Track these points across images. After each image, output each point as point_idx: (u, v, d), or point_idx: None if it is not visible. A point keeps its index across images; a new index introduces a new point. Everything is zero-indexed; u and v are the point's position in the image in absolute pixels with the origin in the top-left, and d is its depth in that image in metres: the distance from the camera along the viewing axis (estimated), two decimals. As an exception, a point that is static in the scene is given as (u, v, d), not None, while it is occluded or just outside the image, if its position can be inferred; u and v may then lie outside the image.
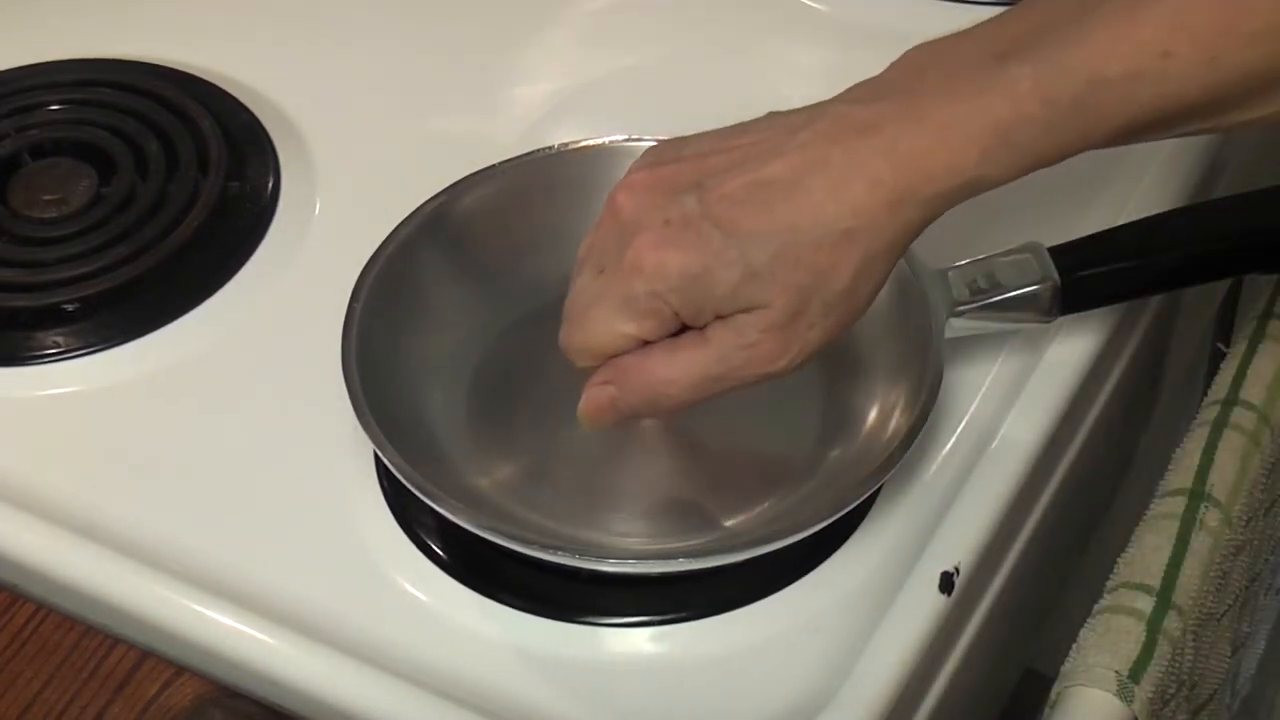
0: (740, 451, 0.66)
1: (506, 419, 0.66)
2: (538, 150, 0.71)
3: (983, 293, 0.64)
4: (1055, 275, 0.64)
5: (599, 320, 0.57)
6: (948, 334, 0.63)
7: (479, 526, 0.58)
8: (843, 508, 0.59)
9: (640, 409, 0.58)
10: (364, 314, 0.64)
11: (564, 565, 0.59)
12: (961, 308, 0.64)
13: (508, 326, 0.69)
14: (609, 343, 0.57)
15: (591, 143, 0.71)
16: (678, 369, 0.56)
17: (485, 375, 0.67)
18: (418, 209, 0.68)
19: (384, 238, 0.67)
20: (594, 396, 0.58)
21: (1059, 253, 0.64)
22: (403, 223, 0.68)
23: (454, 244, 0.69)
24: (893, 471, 0.60)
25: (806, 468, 0.64)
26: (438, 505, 0.59)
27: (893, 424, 0.62)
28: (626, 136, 0.71)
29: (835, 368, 0.66)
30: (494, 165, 0.70)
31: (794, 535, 0.58)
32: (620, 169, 0.70)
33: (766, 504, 0.63)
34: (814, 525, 0.58)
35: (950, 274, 0.65)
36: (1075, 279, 0.64)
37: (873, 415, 0.64)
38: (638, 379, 0.57)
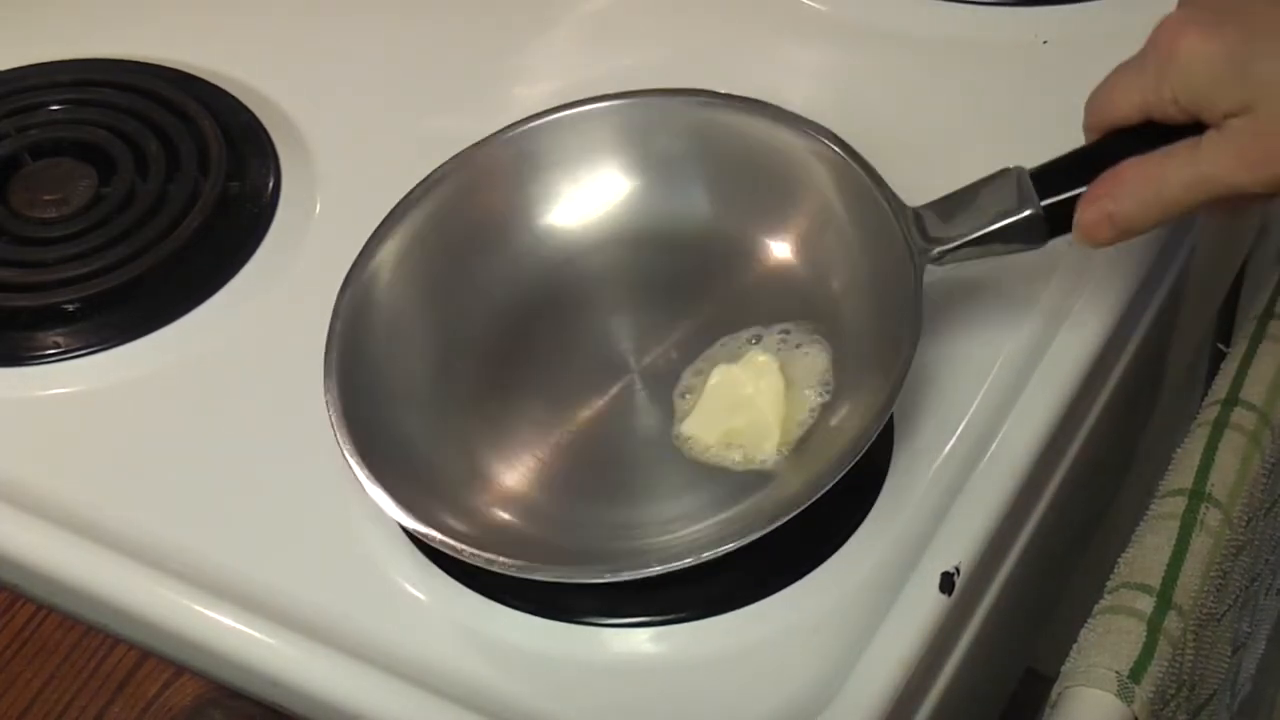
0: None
1: (499, 424, 0.66)
2: (491, 136, 0.70)
3: (961, 230, 0.62)
4: (1037, 201, 0.61)
5: (1111, 80, 0.61)
6: (934, 274, 0.62)
7: (456, 545, 0.58)
8: (822, 488, 0.58)
9: (1134, 213, 0.59)
10: (344, 334, 0.64)
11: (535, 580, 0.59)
12: (940, 249, 0.62)
13: (491, 328, 0.68)
14: (1108, 99, 0.61)
15: (544, 119, 0.69)
16: (1170, 166, 0.58)
17: (475, 376, 0.67)
18: (389, 214, 0.68)
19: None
20: (1088, 212, 0.60)
21: (1040, 175, 0.62)
22: (375, 233, 0.67)
23: (432, 243, 0.68)
24: (870, 442, 0.58)
25: (798, 446, 0.63)
26: (423, 532, 0.59)
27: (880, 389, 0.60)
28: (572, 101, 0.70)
29: (823, 301, 0.65)
30: (447, 162, 0.69)
31: (766, 528, 0.57)
32: (581, 138, 0.68)
33: (758, 494, 0.62)
34: (786, 515, 0.57)
35: (926, 213, 0.63)
36: (1059, 202, 0.61)
37: (860, 356, 0.63)
38: (1132, 179, 0.59)
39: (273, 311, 0.73)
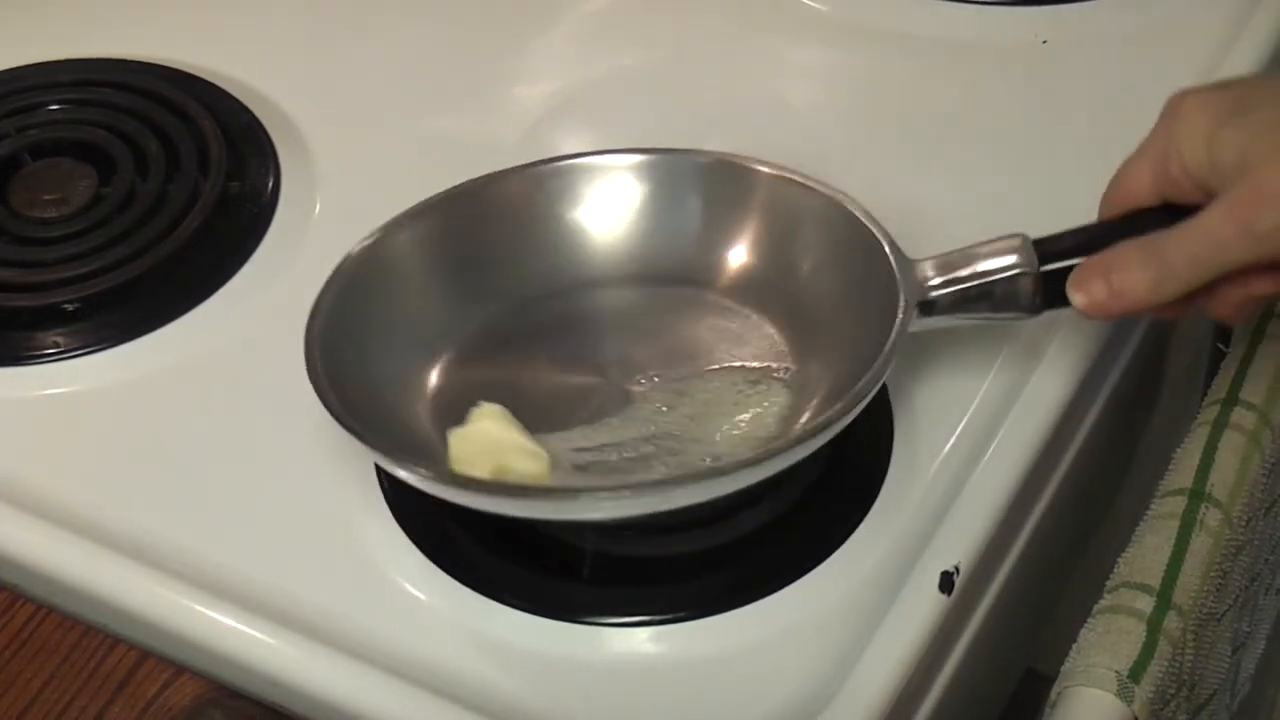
0: (703, 426, 0.65)
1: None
2: (524, 165, 0.70)
3: (958, 280, 0.62)
4: (1036, 263, 0.62)
5: (1124, 164, 0.62)
6: (925, 325, 0.62)
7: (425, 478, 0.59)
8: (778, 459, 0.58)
9: (1136, 284, 0.59)
10: (340, 291, 0.65)
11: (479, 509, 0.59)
12: (934, 293, 0.62)
13: (482, 331, 0.69)
14: (1123, 184, 0.62)
15: (576, 160, 0.70)
16: (1171, 239, 0.58)
17: (457, 370, 0.68)
18: (409, 209, 0.68)
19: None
20: (1090, 279, 0.60)
21: (1043, 242, 0.62)
22: (393, 220, 0.68)
23: (444, 240, 0.69)
24: (800, 452, 0.58)
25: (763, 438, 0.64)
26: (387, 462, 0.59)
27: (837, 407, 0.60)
28: (589, 150, 0.70)
29: (805, 348, 0.66)
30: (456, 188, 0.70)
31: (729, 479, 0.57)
32: (602, 182, 0.69)
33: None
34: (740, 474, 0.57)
35: (924, 263, 0.63)
36: (1059, 270, 0.62)
37: (822, 395, 0.64)
38: (1134, 252, 0.59)
39: (272, 311, 0.73)
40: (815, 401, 0.64)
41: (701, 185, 0.70)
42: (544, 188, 0.70)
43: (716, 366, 0.67)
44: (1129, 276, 0.59)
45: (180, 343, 0.72)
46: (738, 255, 0.69)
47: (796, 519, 0.63)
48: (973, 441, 0.65)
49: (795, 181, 0.67)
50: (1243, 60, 0.79)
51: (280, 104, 0.83)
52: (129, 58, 0.86)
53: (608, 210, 0.70)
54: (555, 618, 0.61)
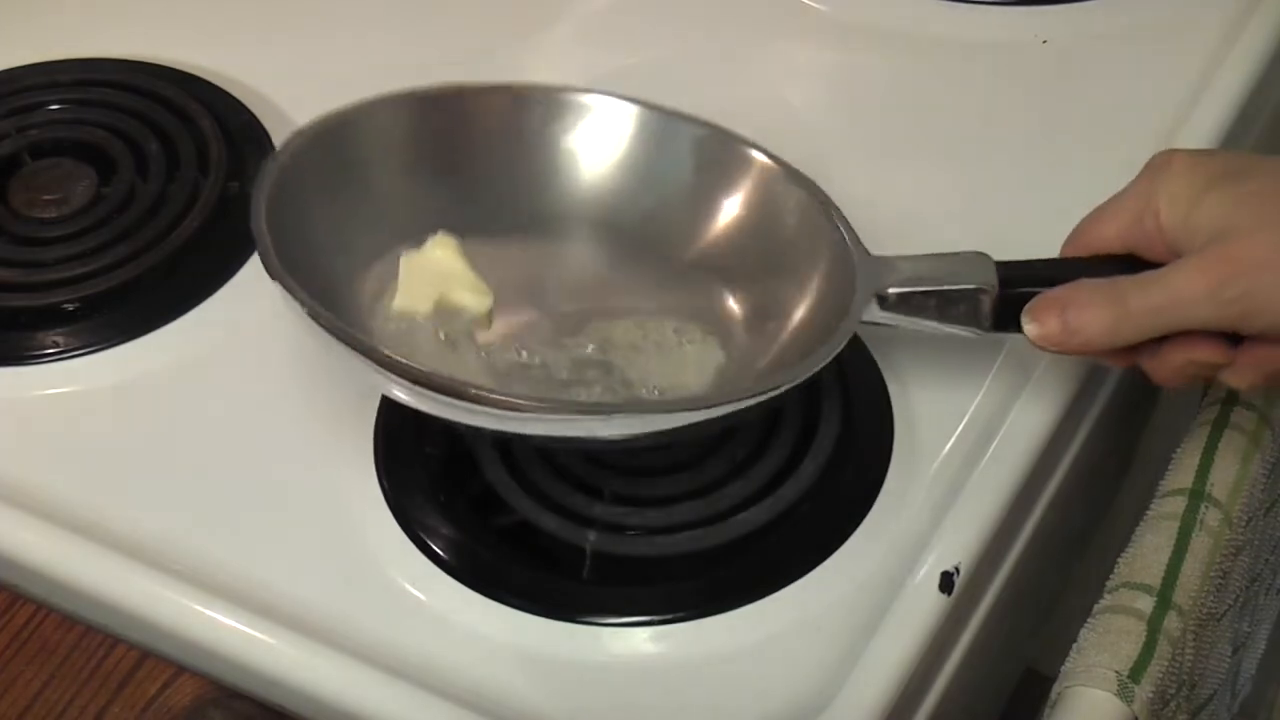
0: (634, 364, 0.66)
1: None
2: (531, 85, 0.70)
3: (915, 281, 0.62)
4: (995, 281, 0.61)
5: (1099, 207, 0.62)
6: (877, 317, 0.62)
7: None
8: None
9: (1091, 324, 0.58)
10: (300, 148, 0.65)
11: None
12: (890, 289, 0.62)
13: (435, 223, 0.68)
14: (1091, 227, 0.62)
15: (587, 95, 0.70)
16: (1134, 285, 0.58)
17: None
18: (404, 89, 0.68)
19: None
20: (1045, 313, 0.60)
21: (1007, 266, 0.62)
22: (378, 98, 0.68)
23: (424, 125, 0.69)
24: (741, 403, 0.59)
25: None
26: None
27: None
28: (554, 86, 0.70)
29: (755, 320, 0.66)
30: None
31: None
32: (566, 117, 0.69)
33: None
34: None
35: (885, 259, 0.63)
36: (1015, 293, 0.61)
37: (764, 368, 0.64)
38: (1093, 291, 0.59)
39: (272, 311, 0.73)
40: (756, 374, 0.64)
41: (686, 150, 0.69)
42: (531, 111, 0.69)
43: (664, 319, 0.67)
44: (1085, 315, 0.59)
45: (180, 343, 0.72)
46: (705, 224, 0.69)
47: (796, 519, 0.63)
48: (973, 441, 0.65)
49: (773, 166, 0.67)
50: (1243, 60, 0.79)
51: (280, 104, 0.83)
52: (129, 58, 0.86)
53: (590, 152, 0.70)
54: (555, 618, 0.61)
